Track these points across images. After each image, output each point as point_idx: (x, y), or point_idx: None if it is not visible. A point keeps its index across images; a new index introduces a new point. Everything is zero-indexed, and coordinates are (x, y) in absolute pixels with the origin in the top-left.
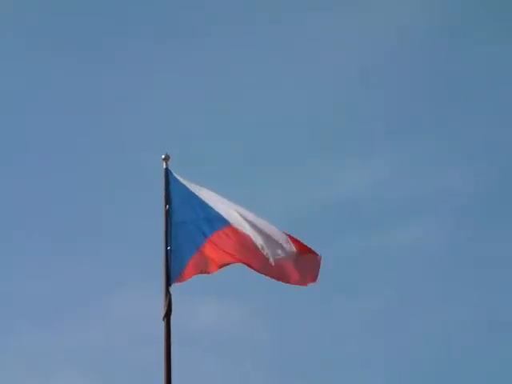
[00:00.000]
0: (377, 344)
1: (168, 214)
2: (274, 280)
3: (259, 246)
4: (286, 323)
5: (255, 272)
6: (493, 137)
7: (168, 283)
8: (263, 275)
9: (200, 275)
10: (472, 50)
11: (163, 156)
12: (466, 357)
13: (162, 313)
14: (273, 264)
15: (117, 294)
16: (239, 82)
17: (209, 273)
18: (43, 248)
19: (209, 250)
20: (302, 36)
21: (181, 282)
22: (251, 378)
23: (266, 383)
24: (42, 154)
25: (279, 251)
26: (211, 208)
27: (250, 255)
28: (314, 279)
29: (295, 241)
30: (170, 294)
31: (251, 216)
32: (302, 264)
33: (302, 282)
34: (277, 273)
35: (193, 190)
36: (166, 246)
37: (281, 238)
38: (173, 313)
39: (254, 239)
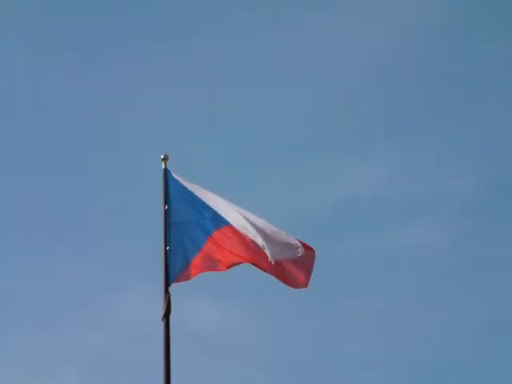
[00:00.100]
0: (377, 344)
1: (167, 214)
2: (275, 280)
3: (260, 246)
4: (286, 323)
5: (262, 272)
6: (493, 137)
7: (167, 283)
8: (270, 275)
9: (204, 274)
10: (472, 49)
11: (162, 156)
12: (466, 357)
13: (162, 313)
14: (273, 263)
15: (117, 294)
16: (239, 82)
17: (217, 271)
18: (43, 248)
19: (212, 248)
20: (302, 36)
21: (186, 280)
22: (251, 378)
23: (266, 383)
24: (41, 154)
25: (279, 252)
26: (210, 208)
27: (256, 256)
28: (307, 282)
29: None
30: (169, 294)
31: (250, 216)
32: (300, 265)
33: (297, 285)
34: (277, 273)
35: (191, 190)
36: (165, 246)
37: (282, 239)
38: (172, 313)
39: (254, 239)
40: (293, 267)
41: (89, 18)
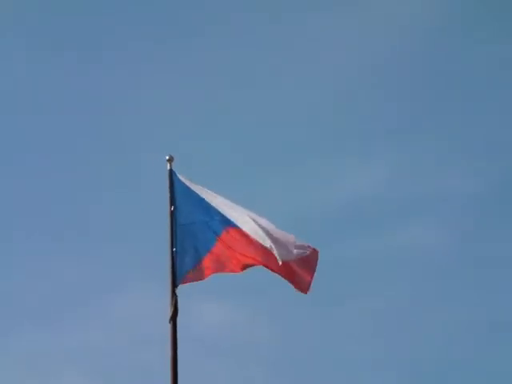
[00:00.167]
0: (377, 344)
1: (173, 216)
2: (279, 281)
3: (268, 247)
4: (289, 324)
5: (265, 272)
6: (493, 137)
7: (174, 285)
8: (280, 276)
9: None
10: (472, 49)
11: (167, 157)
12: (466, 357)
13: (169, 315)
14: (280, 263)
15: (117, 294)
16: (239, 82)
17: (230, 273)
18: (43, 248)
19: (222, 250)
20: (302, 36)
21: (197, 280)
22: (255, 379)
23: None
24: (41, 154)
25: (286, 253)
26: (216, 209)
27: (266, 257)
28: (308, 287)
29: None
30: (176, 296)
31: (258, 218)
32: (305, 266)
33: (302, 288)
34: (286, 274)
35: (197, 192)
36: (172, 248)
37: (289, 241)
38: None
39: (261, 241)
40: (298, 268)
41: (89, 18)
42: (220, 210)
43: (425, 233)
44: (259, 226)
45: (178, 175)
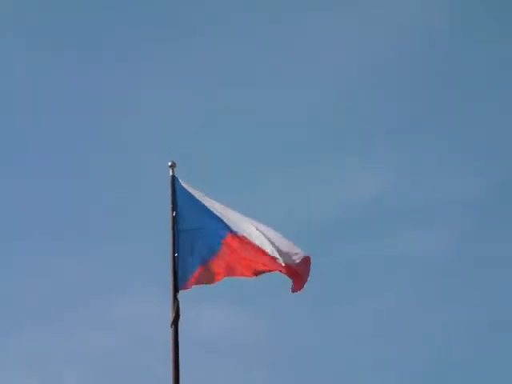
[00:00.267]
0: (377, 344)
1: (175, 221)
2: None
3: (269, 252)
4: (289, 325)
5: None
6: (493, 137)
7: (176, 290)
8: (286, 276)
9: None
10: (472, 49)
11: (170, 163)
12: (466, 357)
13: (170, 319)
14: (283, 265)
15: (117, 295)
16: (239, 82)
17: (242, 276)
18: (43, 248)
19: (229, 254)
20: (302, 36)
21: (210, 284)
22: (256, 382)
23: None
24: (41, 154)
25: (286, 259)
26: (217, 216)
27: (271, 263)
28: (302, 285)
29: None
30: (177, 301)
31: (259, 225)
32: (301, 270)
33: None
34: (290, 273)
35: (198, 198)
36: (174, 253)
37: (289, 247)
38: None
39: (263, 247)
40: (299, 270)
41: (89, 18)
42: (221, 216)
43: (425, 233)
44: (261, 232)
45: (180, 181)
